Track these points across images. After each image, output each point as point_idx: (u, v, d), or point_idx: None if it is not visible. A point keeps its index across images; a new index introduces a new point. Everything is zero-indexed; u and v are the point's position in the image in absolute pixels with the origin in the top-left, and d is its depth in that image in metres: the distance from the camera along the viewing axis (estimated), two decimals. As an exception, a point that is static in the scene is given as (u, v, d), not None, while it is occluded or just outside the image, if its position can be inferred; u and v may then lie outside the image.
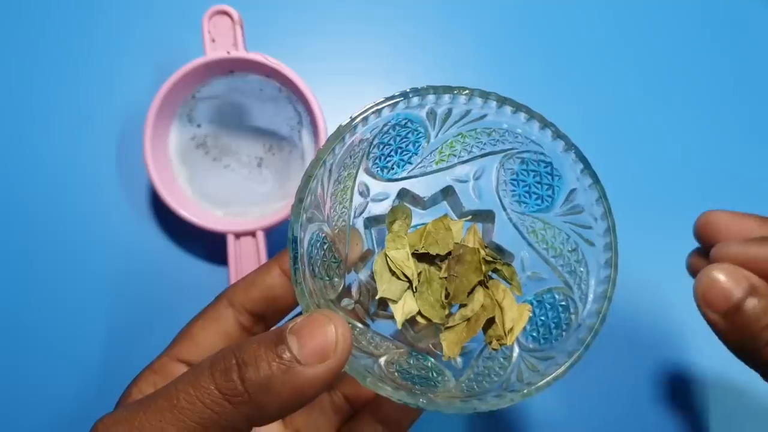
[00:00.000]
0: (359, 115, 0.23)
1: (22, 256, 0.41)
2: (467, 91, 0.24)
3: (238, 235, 0.39)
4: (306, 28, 0.46)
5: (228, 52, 0.39)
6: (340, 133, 0.23)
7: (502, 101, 0.24)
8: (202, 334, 0.27)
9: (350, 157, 0.25)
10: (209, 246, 0.41)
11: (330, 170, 0.24)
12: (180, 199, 0.39)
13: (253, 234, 0.39)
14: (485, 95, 0.24)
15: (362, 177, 0.27)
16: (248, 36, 0.40)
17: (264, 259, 0.39)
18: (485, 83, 0.46)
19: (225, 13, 0.39)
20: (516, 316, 0.27)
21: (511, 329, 0.26)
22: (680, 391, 0.40)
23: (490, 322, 0.27)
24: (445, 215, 0.29)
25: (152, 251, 0.41)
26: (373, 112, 0.24)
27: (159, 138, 0.39)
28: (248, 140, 0.41)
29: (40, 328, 0.40)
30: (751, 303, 0.22)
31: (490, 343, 0.27)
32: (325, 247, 0.25)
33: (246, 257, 0.39)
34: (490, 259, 0.28)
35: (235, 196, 0.41)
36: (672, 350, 0.41)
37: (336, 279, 0.26)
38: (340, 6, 0.46)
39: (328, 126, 0.38)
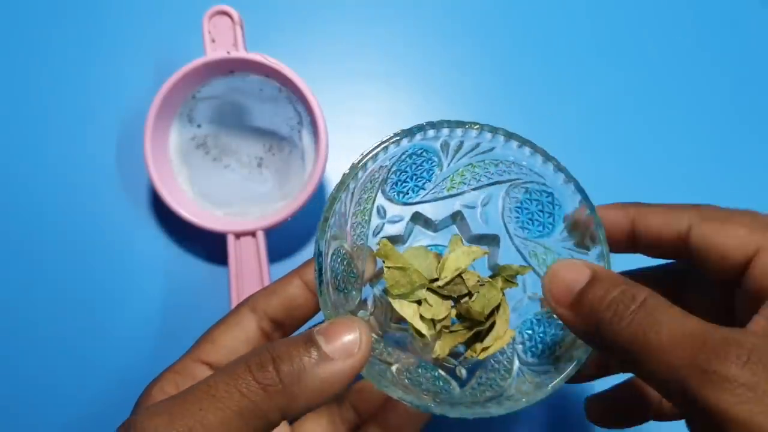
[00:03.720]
0: (380, 145, 0.26)
1: (21, 255, 0.41)
2: (477, 126, 0.27)
3: (238, 235, 0.39)
4: (306, 28, 0.46)
5: (228, 52, 0.39)
6: (362, 161, 0.26)
7: (509, 136, 0.27)
8: (224, 336, 0.28)
9: (370, 182, 0.27)
10: (209, 246, 0.41)
11: (352, 193, 0.26)
12: (180, 199, 0.39)
13: (253, 234, 0.39)
14: (494, 130, 0.27)
15: (380, 200, 0.29)
16: (248, 36, 0.40)
17: (264, 258, 0.39)
18: (484, 84, 0.46)
19: (225, 13, 0.39)
20: (501, 335, 0.28)
21: (488, 347, 0.28)
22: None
23: (478, 334, 0.29)
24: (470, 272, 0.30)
25: (152, 251, 0.42)
26: (392, 143, 0.26)
27: (159, 138, 0.40)
28: (248, 140, 0.42)
29: (40, 328, 0.40)
30: (592, 291, 0.23)
31: (473, 351, 0.29)
32: (345, 262, 0.27)
33: (246, 257, 0.39)
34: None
35: (235, 196, 0.41)
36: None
37: (354, 292, 0.28)
38: (340, 6, 0.46)
39: (327, 126, 0.38)
